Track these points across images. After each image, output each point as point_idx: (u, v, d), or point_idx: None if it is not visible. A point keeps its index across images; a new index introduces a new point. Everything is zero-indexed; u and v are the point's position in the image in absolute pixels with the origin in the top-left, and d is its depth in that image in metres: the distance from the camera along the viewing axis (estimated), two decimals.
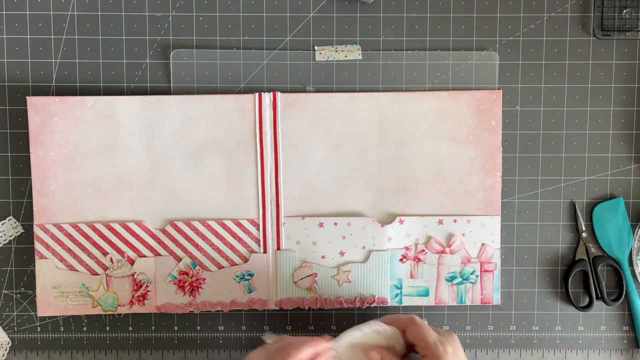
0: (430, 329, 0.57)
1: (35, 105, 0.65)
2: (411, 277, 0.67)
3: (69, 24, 0.67)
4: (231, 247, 0.67)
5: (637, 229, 0.68)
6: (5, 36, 0.67)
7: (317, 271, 0.67)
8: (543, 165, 0.68)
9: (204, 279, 0.67)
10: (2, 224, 0.67)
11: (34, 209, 0.66)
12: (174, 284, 0.67)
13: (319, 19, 0.67)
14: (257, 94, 0.66)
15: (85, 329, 0.68)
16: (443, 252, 0.67)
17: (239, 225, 0.67)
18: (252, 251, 0.67)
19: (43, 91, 0.67)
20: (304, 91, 0.67)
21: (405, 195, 0.67)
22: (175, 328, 0.69)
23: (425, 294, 0.67)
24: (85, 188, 0.66)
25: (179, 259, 0.67)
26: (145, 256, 0.67)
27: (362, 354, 0.58)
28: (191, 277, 0.67)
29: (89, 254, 0.66)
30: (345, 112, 0.66)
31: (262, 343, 0.58)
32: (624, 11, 0.67)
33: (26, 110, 0.65)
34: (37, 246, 0.66)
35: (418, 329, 0.57)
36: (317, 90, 0.67)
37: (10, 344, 0.68)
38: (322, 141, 0.66)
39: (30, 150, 0.65)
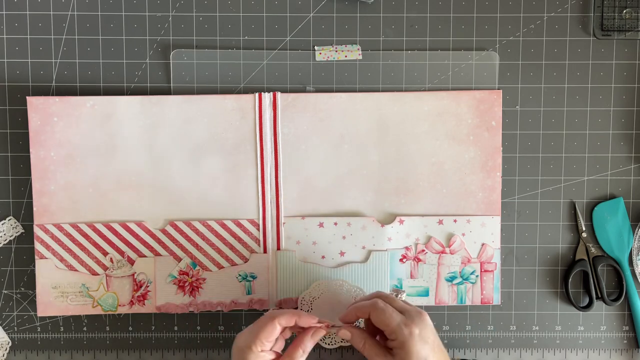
0: (394, 311, 0.55)
1: (35, 105, 0.65)
2: (411, 277, 0.67)
3: (69, 24, 0.67)
4: (231, 247, 0.67)
5: (637, 229, 0.68)
6: (5, 36, 0.67)
7: (317, 271, 0.67)
8: (543, 165, 0.68)
9: (204, 279, 0.67)
10: (2, 224, 0.67)
11: (34, 209, 0.66)
12: (174, 284, 0.67)
13: (319, 19, 0.67)
14: (257, 94, 0.66)
15: (85, 329, 0.68)
16: (443, 252, 0.67)
17: (239, 225, 0.67)
18: (252, 251, 0.67)
19: (43, 91, 0.67)
20: (304, 91, 0.67)
21: (405, 195, 0.67)
22: (175, 328, 0.69)
23: (425, 294, 0.67)
24: (85, 188, 0.66)
25: (179, 259, 0.67)
26: (145, 256, 0.67)
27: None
28: (191, 277, 0.67)
29: (89, 254, 0.66)
30: (345, 112, 0.66)
31: None
32: (624, 11, 0.67)
33: (26, 110, 0.65)
34: (37, 246, 0.66)
35: (381, 315, 0.55)
36: (317, 90, 0.67)
37: (10, 344, 0.68)
38: (322, 141, 0.66)
39: (30, 150, 0.65)
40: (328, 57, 0.67)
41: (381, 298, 0.58)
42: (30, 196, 0.67)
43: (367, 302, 0.57)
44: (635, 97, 0.68)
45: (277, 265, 0.67)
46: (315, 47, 0.67)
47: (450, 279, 0.67)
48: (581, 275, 0.69)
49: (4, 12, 0.67)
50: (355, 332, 0.58)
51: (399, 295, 0.60)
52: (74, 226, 0.66)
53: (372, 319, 0.56)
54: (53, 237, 0.66)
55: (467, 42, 0.67)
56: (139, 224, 0.66)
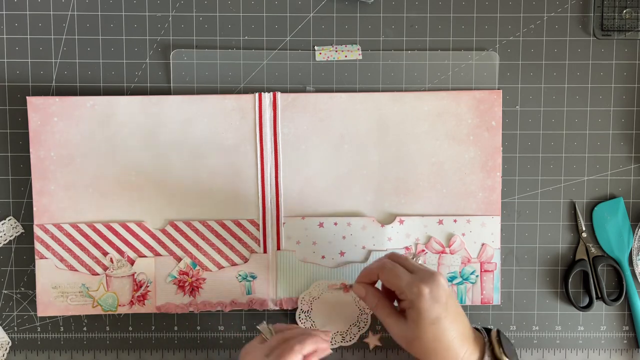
0: (403, 270, 0.54)
1: (35, 105, 0.65)
2: None
3: (69, 24, 0.67)
4: (231, 247, 0.67)
5: (637, 229, 0.68)
6: (5, 36, 0.67)
7: (317, 271, 0.67)
8: (543, 165, 0.68)
9: (204, 279, 0.67)
10: (2, 224, 0.67)
11: (34, 209, 0.66)
12: (174, 284, 0.67)
13: (319, 19, 0.67)
14: (257, 94, 0.66)
15: (85, 329, 0.68)
16: (443, 252, 0.67)
17: (239, 225, 0.67)
18: (252, 251, 0.67)
19: (43, 91, 0.67)
20: (304, 91, 0.67)
21: (405, 195, 0.67)
22: (175, 328, 0.69)
23: None
24: (85, 188, 0.66)
25: (179, 259, 0.67)
26: (145, 256, 0.67)
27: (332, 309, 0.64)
28: (191, 277, 0.67)
29: (89, 254, 0.66)
30: (345, 112, 0.66)
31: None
32: (624, 11, 0.67)
33: (26, 110, 0.65)
34: (37, 246, 0.66)
35: (389, 274, 0.54)
36: (317, 90, 0.67)
37: (10, 344, 0.68)
38: (322, 141, 0.66)
39: (30, 150, 0.65)
40: (328, 57, 0.67)
41: (392, 258, 0.56)
42: (30, 196, 0.67)
43: (376, 263, 0.57)
44: (635, 97, 0.68)
45: (277, 265, 0.67)
46: (315, 47, 0.67)
47: (450, 279, 0.67)
48: (581, 275, 0.69)
49: (4, 12, 0.67)
50: (370, 290, 0.57)
51: (415, 258, 0.58)
52: (74, 226, 0.66)
53: (382, 279, 0.55)
54: (53, 237, 0.66)
55: (467, 42, 0.67)
56: (139, 224, 0.66)
